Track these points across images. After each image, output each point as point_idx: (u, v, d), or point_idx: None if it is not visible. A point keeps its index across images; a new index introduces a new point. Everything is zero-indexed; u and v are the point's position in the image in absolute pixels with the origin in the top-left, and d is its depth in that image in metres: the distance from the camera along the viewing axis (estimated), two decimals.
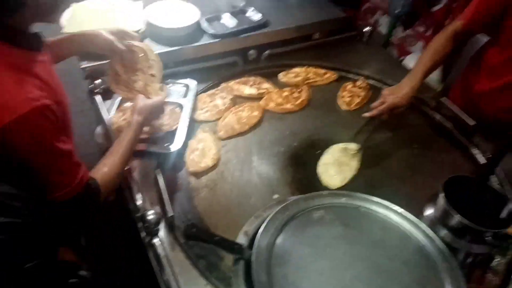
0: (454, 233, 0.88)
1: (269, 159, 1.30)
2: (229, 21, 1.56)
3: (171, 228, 1.04)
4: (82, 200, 0.93)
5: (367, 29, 1.81)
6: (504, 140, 0.88)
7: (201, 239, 0.82)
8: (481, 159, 1.35)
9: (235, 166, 1.26)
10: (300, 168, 1.28)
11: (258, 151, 1.32)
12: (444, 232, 0.89)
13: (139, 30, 1.44)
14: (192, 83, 1.43)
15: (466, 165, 1.35)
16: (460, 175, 0.95)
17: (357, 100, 1.54)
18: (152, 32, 1.47)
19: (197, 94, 1.44)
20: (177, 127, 1.28)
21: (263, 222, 0.86)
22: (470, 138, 1.42)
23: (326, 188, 1.20)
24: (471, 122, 1.41)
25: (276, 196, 1.18)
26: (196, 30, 1.51)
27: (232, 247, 0.80)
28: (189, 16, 1.51)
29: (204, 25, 1.52)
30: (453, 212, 0.85)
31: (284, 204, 0.89)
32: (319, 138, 1.38)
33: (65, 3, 0.96)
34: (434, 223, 0.91)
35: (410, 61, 2.37)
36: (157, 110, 1.22)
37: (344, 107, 1.52)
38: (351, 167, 1.28)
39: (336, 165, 1.26)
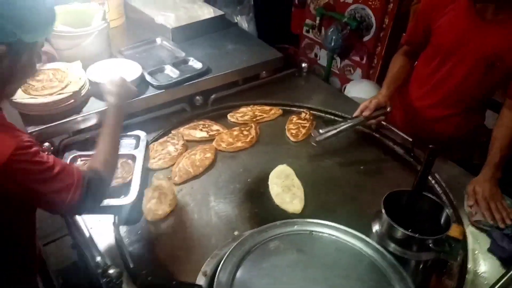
0: (401, 245, 0.94)
1: (226, 198, 1.33)
2: (171, 72, 1.63)
3: (134, 280, 1.04)
4: (89, 194, 0.94)
5: (304, 65, 1.93)
6: (430, 148, 0.97)
7: (159, 286, 0.83)
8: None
9: (193, 209, 1.28)
10: (257, 202, 1.32)
11: (214, 191, 1.35)
12: (392, 245, 0.95)
13: (82, 88, 1.47)
14: (142, 134, 1.46)
15: (410, 178, 1.44)
16: (399, 190, 1.02)
17: (303, 131, 1.62)
18: (97, 91, 1.50)
19: (148, 143, 1.47)
20: (131, 178, 1.30)
21: (221, 260, 0.88)
22: (411, 153, 1.53)
23: (287, 215, 1.24)
24: (409, 139, 1.53)
25: (236, 232, 1.21)
26: (141, 84, 1.56)
27: None
28: (132, 71, 1.56)
29: (148, 78, 1.58)
30: (395, 226, 0.92)
31: (240, 240, 0.92)
32: (271, 171, 1.44)
33: (22, 78, 0.98)
34: (382, 238, 0.97)
35: (350, 88, 2.54)
36: (124, 85, 1.22)
37: (292, 138, 1.60)
38: (297, 185, 1.35)
39: (286, 191, 1.32)
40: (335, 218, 1.23)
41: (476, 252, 1.18)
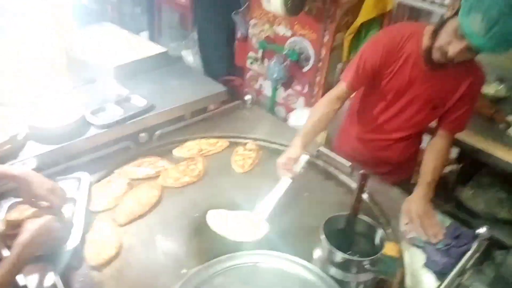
0: (341, 268, 0.99)
1: (173, 235, 1.32)
2: (114, 110, 1.63)
3: None
4: None
5: (248, 97, 2.00)
6: (361, 173, 1.04)
7: None
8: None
9: (139, 249, 1.26)
10: (206, 236, 1.32)
11: (161, 229, 1.34)
12: (332, 269, 1.00)
13: (17, 134, 1.43)
14: (84, 175, 1.43)
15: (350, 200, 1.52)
16: (337, 214, 1.08)
17: (250, 161, 1.66)
18: (35, 134, 1.47)
19: (91, 185, 1.44)
20: (72, 222, 1.26)
21: None
22: (350, 177, 1.61)
23: (237, 246, 1.24)
24: (347, 164, 1.62)
25: (184, 270, 1.20)
26: (83, 124, 1.55)
27: None
28: (72, 112, 1.54)
29: (89, 117, 1.56)
30: (332, 250, 0.96)
31: (185, 279, 0.93)
32: (220, 204, 1.45)
33: None
34: (323, 263, 1.01)
35: (294, 117, 2.64)
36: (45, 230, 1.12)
37: (238, 170, 1.63)
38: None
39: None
40: (282, 247, 1.27)
41: (413, 268, 1.26)
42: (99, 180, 1.49)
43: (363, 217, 1.07)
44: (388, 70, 1.55)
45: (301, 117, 2.59)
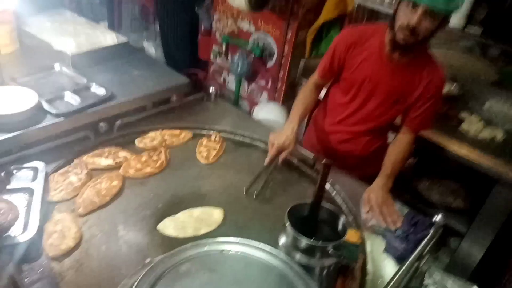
0: (305, 254, 1.00)
1: (136, 225, 1.29)
2: (72, 99, 1.56)
3: None
4: None
5: (212, 89, 1.98)
6: (324, 162, 1.06)
7: None
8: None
9: (100, 240, 1.22)
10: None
11: (123, 220, 1.31)
12: (297, 255, 1.01)
13: None
14: (40, 164, 1.37)
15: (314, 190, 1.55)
16: (300, 202, 1.10)
17: (214, 152, 1.65)
18: None
19: (48, 175, 1.38)
20: (29, 212, 1.20)
21: None
22: (313, 168, 1.64)
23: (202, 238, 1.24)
24: (311, 155, 1.65)
25: (148, 260, 1.17)
26: (38, 112, 1.47)
27: None
28: (27, 99, 1.47)
29: (46, 105, 1.49)
30: (297, 236, 0.98)
31: (150, 266, 0.91)
32: (184, 194, 1.44)
33: None
34: (288, 249, 1.03)
35: (258, 111, 2.65)
36: None
37: (203, 161, 1.62)
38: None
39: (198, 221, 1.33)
40: (247, 235, 1.27)
41: (374, 254, 1.30)
42: (56, 170, 1.43)
43: (326, 204, 1.09)
44: (351, 62, 1.63)
45: (265, 111, 2.61)
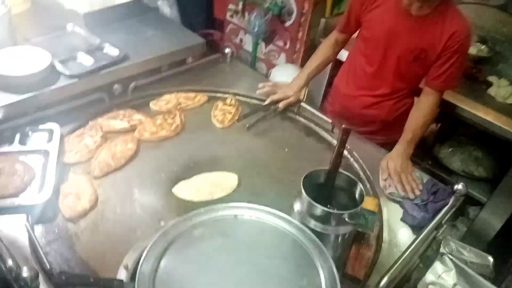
0: (320, 221, 0.98)
1: (151, 188, 1.29)
2: (85, 60, 1.53)
3: (52, 282, 0.98)
4: None
5: (228, 50, 1.92)
6: (343, 128, 1.02)
7: (75, 284, 0.78)
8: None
9: (115, 202, 1.23)
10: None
11: (138, 183, 1.31)
12: (312, 222, 0.99)
13: None
14: (55, 126, 1.36)
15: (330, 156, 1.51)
16: (317, 169, 1.07)
17: (229, 116, 1.62)
18: (1, 83, 1.37)
19: (63, 137, 1.38)
20: (44, 173, 1.21)
21: (143, 252, 0.85)
22: (331, 133, 1.60)
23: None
24: (329, 120, 1.60)
25: (162, 223, 1.18)
26: (51, 73, 1.45)
27: (111, 285, 0.78)
28: (40, 60, 1.44)
29: (59, 67, 1.47)
30: (313, 203, 0.95)
31: (163, 230, 0.90)
32: (199, 159, 1.42)
33: None
34: (303, 216, 1.00)
35: (275, 73, 2.58)
36: None
37: (218, 125, 1.59)
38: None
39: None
40: (262, 201, 1.26)
41: (390, 222, 1.28)
42: (71, 132, 1.42)
43: (343, 172, 1.06)
44: (368, 18, 1.57)
45: (283, 74, 2.54)
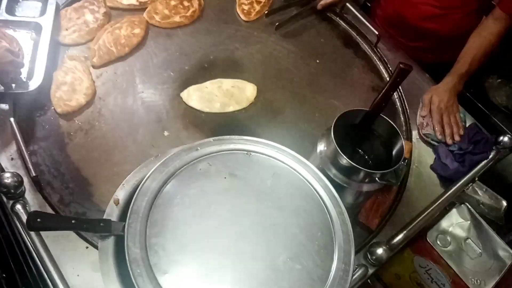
0: (344, 173, 0.85)
1: (156, 88, 1.13)
2: None
3: (38, 187, 0.89)
4: None
5: None
6: (401, 68, 0.80)
7: (53, 228, 0.69)
8: (384, 73, 1.32)
9: (115, 100, 1.08)
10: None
11: (143, 79, 1.14)
12: (334, 171, 0.86)
13: None
14: None
15: (369, 80, 1.30)
16: (354, 109, 0.88)
17: (257, 8, 1.36)
18: None
19: (59, 8, 1.16)
20: (35, 56, 1.03)
21: (138, 186, 0.74)
22: (374, 48, 1.35)
23: (231, 117, 1.11)
24: (375, 31, 1.33)
25: (166, 133, 1.06)
26: None
27: (96, 226, 0.68)
28: None
29: None
30: (342, 157, 0.80)
31: (162, 161, 0.77)
32: (215, 58, 1.22)
33: None
34: (325, 161, 0.87)
35: None
36: None
37: (243, 16, 1.34)
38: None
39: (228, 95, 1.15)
40: (281, 121, 1.12)
41: (419, 169, 1.14)
42: (69, 4, 1.19)
43: (385, 118, 0.88)
44: None
45: None
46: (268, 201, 0.79)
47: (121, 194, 0.77)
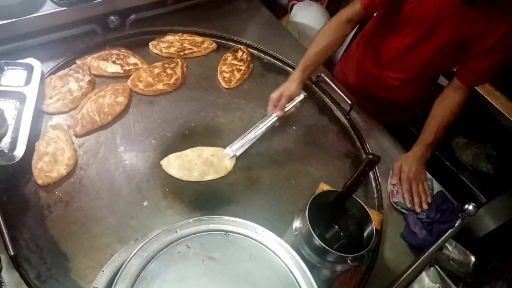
0: (318, 254, 0.88)
1: (137, 156, 1.16)
2: None
3: (16, 265, 0.89)
4: None
5: None
6: (370, 158, 0.86)
7: None
8: (357, 140, 1.39)
9: (96, 170, 1.10)
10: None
11: (124, 147, 1.17)
12: (308, 251, 0.89)
13: None
14: (35, 63, 1.16)
15: (343, 147, 1.36)
16: (328, 190, 0.94)
17: (238, 75, 1.42)
18: None
19: (45, 76, 1.19)
20: (18, 126, 1.05)
21: (118, 272, 0.75)
22: (347, 116, 1.43)
23: (209, 186, 1.14)
24: (348, 101, 1.41)
25: (146, 203, 1.07)
26: None
27: None
28: None
29: None
30: (316, 240, 0.84)
31: (141, 245, 0.79)
32: (196, 125, 1.27)
33: None
34: (299, 240, 0.90)
35: (297, 12, 2.28)
36: None
37: (224, 84, 1.40)
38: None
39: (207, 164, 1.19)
40: (258, 190, 1.18)
41: (390, 236, 1.19)
42: (54, 72, 1.23)
43: (357, 199, 0.93)
44: None
45: (305, 12, 2.25)
46: (244, 284, 0.81)
47: (101, 281, 0.78)
